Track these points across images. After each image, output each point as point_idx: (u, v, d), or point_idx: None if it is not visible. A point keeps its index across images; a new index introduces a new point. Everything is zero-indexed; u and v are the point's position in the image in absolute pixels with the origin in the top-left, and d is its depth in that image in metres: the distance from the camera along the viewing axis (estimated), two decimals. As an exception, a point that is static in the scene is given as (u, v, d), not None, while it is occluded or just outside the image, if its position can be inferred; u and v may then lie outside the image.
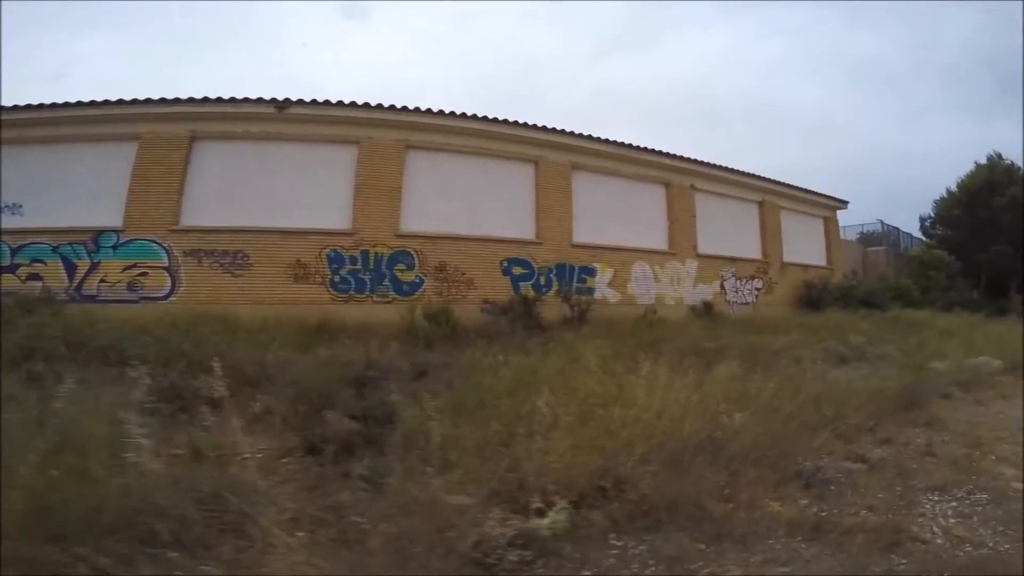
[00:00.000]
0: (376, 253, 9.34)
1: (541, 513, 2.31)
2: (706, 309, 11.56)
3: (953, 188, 22.67)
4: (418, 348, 7.08)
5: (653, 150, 11.70)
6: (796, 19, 61.28)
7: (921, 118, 54.88)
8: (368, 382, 4.96)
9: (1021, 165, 21.70)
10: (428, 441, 2.58)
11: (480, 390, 4.05)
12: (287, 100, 9.19)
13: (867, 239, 20.63)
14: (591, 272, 10.65)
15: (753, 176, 13.63)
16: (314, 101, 9.34)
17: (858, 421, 4.31)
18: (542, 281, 10.14)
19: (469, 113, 9.97)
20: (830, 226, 15.94)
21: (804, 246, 14.93)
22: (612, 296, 10.81)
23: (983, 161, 22.51)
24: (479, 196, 10.02)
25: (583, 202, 10.87)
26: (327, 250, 9.21)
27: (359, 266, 9.30)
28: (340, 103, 9.43)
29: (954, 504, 2.95)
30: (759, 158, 48.18)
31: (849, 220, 21.80)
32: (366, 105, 9.49)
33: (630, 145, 11.33)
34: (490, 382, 4.24)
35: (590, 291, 10.59)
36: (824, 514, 2.88)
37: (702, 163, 12.62)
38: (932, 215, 23.19)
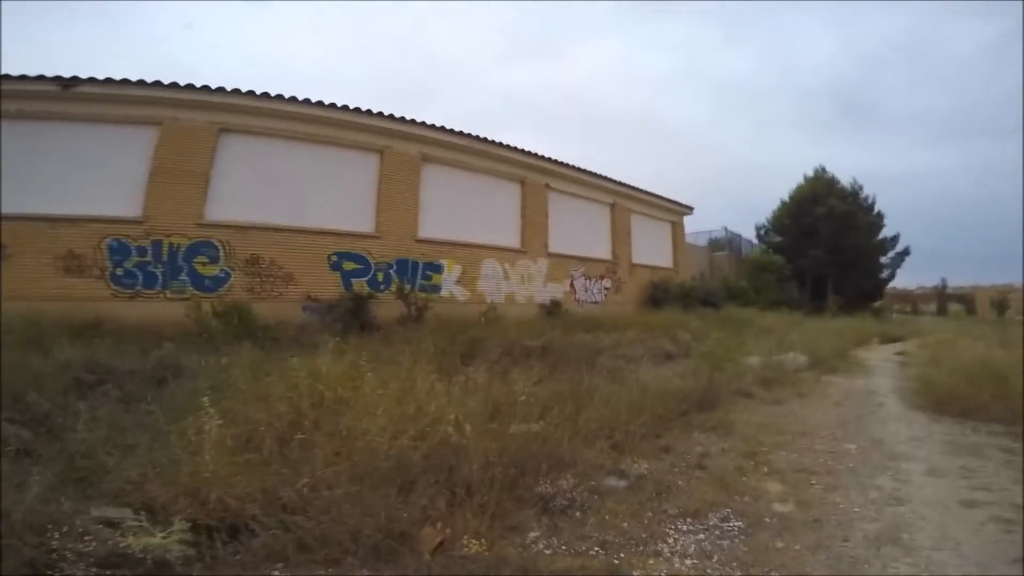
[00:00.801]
0: (172, 244, 7.95)
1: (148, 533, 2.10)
2: (554, 308, 11.79)
3: (786, 199, 26.17)
4: (199, 348, 6.04)
5: (508, 146, 11.56)
6: (679, 33, 67.44)
7: (772, 134, 63.96)
8: (88, 385, 4.31)
9: (852, 181, 25.74)
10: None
11: (195, 395, 3.40)
12: (74, 78, 7.50)
13: (714, 245, 22.96)
14: (437, 269, 10.21)
15: (606, 179, 14.22)
16: (109, 80, 7.68)
17: (646, 426, 4.31)
18: (380, 278, 9.46)
19: (301, 98, 8.89)
20: (677, 230, 17.33)
21: (652, 248, 16.03)
22: (460, 294, 10.49)
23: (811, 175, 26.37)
24: (309, 185, 9.01)
25: (433, 196, 10.37)
26: (108, 240, 7.64)
27: (149, 258, 7.85)
28: (141, 82, 7.84)
29: (701, 536, 2.78)
30: (635, 167, 53.03)
31: (700, 227, 24.37)
32: (173, 85, 8.01)
33: (484, 139, 11.05)
34: (209, 386, 3.58)
35: (436, 288, 10.15)
36: (543, 550, 2.65)
37: (557, 162, 12.81)
38: (767, 223, 26.64)
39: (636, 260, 15.13)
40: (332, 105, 9.11)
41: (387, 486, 2.70)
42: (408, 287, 9.62)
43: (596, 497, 3.23)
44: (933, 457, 4.18)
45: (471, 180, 11.09)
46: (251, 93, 8.48)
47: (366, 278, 9.32)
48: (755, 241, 26.31)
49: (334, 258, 9.05)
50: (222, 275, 8.25)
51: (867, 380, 8.23)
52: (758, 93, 66.69)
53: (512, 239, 11.76)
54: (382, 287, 9.36)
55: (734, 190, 55.19)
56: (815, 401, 6.37)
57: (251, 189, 8.53)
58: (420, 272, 9.96)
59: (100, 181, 7.66)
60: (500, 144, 11.43)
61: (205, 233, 8.15)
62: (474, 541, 2.62)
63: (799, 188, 25.77)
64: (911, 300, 39.98)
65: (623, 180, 14.87)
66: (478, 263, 10.86)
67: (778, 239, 25.40)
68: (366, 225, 9.45)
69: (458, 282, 10.51)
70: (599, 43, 65.68)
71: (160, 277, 7.88)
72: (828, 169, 26.22)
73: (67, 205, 7.44)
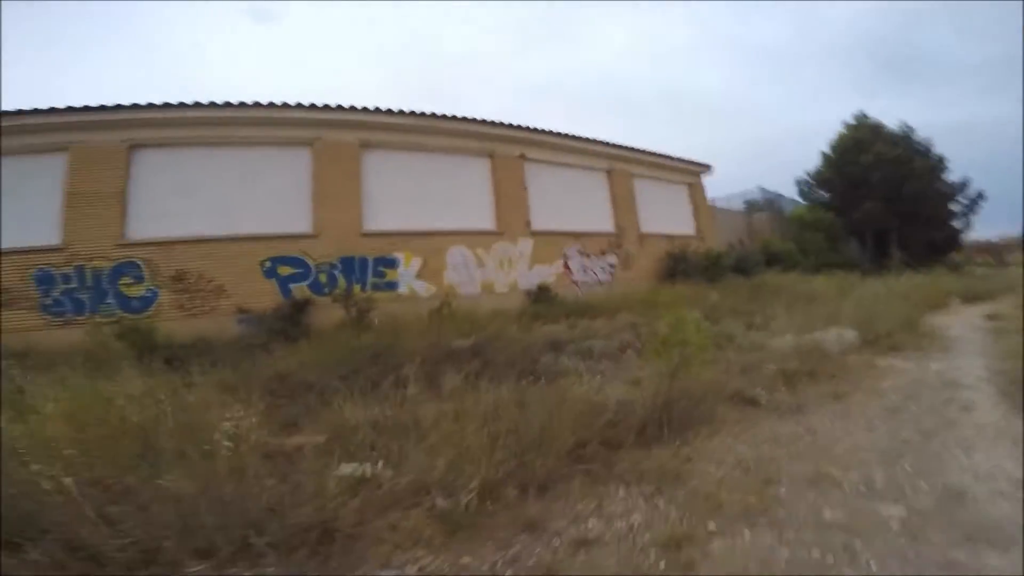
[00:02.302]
0: (94, 268, 7.65)
1: None
2: (542, 293, 10.38)
3: (827, 150, 22.68)
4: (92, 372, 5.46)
5: (466, 119, 10.35)
6: (696, 11, 63.60)
7: (811, 98, 58.20)
8: None
9: (900, 124, 21.87)
10: None
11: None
12: None
13: (752, 207, 20.21)
14: (391, 263, 9.22)
15: (597, 142, 12.52)
16: (16, 111, 7.57)
17: (533, 471, 2.85)
18: (323, 280, 8.63)
19: (206, 102, 8.32)
20: (695, 192, 15.11)
21: (667, 215, 14.03)
22: (423, 289, 9.43)
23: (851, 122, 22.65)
24: (233, 191, 8.40)
25: (379, 184, 9.42)
26: (34, 270, 7.48)
27: (74, 284, 7.59)
28: (49, 109, 7.66)
29: None
30: (677, 144, 50.40)
31: (731, 190, 21.61)
32: (85, 108, 7.78)
33: (435, 115, 9.94)
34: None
35: (392, 285, 9.18)
36: None
37: (532, 130, 11.39)
38: (807, 178, 23.19)
39: (646, 229, 13.23)
40: (243, 104, 8.45)
41: None
42: (357, 287, 8.75)
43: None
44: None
45: (425, 161, 10.00)
46: (156, 105, 8.02)
47: (307, 282, 8.54)
48: (799, 200, 22.95)
49: (268, 264, 8.36)
50: (149, 295, 7.83)
51: (944, 362, 6.00)
52: (791, 57, 61.49)
53: (485, 221, 10.51)
54: (326, 290, 8.53)
55: (776, 157, 50.91)
56: (857, 406, 4.38)
57: (171, 203, 8.04)
58: (371, 269, 9.03)
59: (19, 212, 7.49)
60: (456, 118, 10.25)
61: (126, 253, 7.77)
62: None
63: (840, 137, 22.31)
64: (994, 251, 33.31)
65: (621, 143, 13.10)
66: (442, 252, 9.73)
67: (824, 194, 22.18)
68: (302, 225, 8.67)
69: (419, 276, 9.45)
70: (618, 20, 63.26)
71: (87, 302, 7.60)
72: (870, 115, 22.46)
73: (-14, 240, 7.34)
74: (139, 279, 7.79)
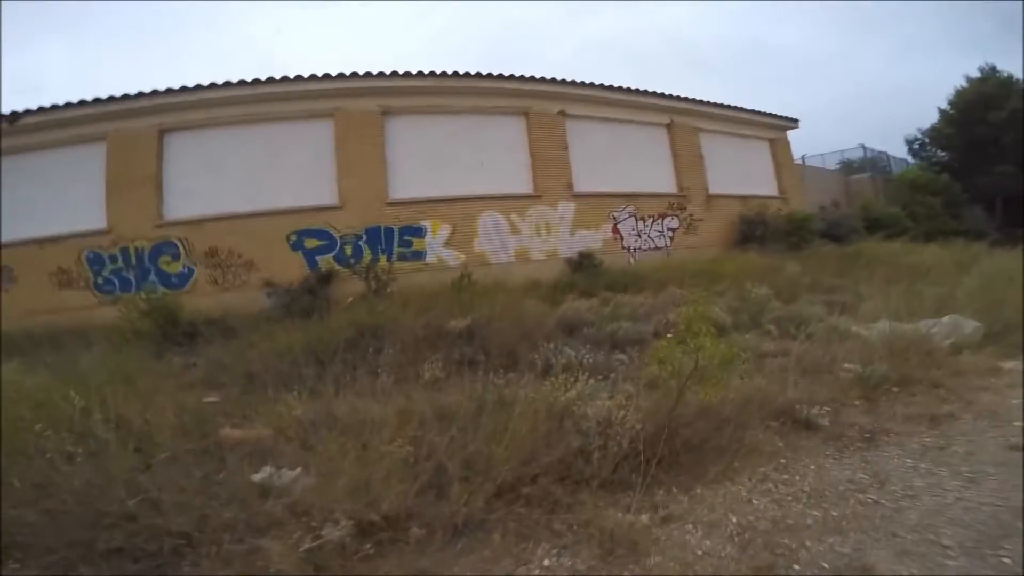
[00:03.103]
0: (136, 248, 7.98)
1: None
2: (584, 261, 9.29)
3: (945, 107, 19.37)
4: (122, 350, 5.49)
5: (493, 75, 9.55)
6: None
7: (918, 57, 49.85)
8: None
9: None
10: None
11: None
12: (15, 113, 8.07)
13: (849, 167, 17.29)
14: (418, 232, 8.69)
15: (652, 94, 11.08)
16: (54, 106, 8.14)
17: (465, 505, 2.08)
18: (348, 251, 8.32)
19: (236, 80, 8.35)
20: (779, 149, 12.96)
21: (743, 174, 12.17)
22: (451, 258, 8.80)
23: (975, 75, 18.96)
24: (259, 167, 8.36)
25: (404, 151, 8.94)
26: (86, 252, 7.98)
27: (120, 264, 7.98)
28: (83, 102, 8.14)
29: None
30: (757, 102, 45.42)
31: (828, 148, 18.67)
32: (118, 97, 8.16)
33: (455, 74, 9.26)
34: None
35: (419, 255, 8.66)
36: None
37: (574, 83, 10.29)
38: (920, 136, 19.58)
39: (716, 190, 11.51)
40: (264, 80, 8.36)
41: None
42: (383, 258, 8.35)
43: None
44: None
45: (453, 124, 9.34)
46: (182, 89, 8.18)
47: (332, 254, 8.28)
48: (909, 160, 19.32)
49: (293, 237, 8.20)
50: (185, 271, 8.03)
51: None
52: (894, 12, 53.04)
53: (520, 184, 9.63)
54: (352, 261, 8.21)
55: (879, 115, 43.96)
56: (963, 437, 2.97)
57: (202, 182, 8.17)
58: (397, 239, 8.57)
59: (68, 201, 8.01)
60: (484, 75, 9.49)
61: (164, 233, 8.02)
62: None
63: (961, 92, 18.93)
64: None
65: (684, 95, 11.52)
66: (473, 219, 9.03)
67: (941, 155, 19.05)
68: (327, 197, 8.43)
69: (447, 244, 8.83)
70: None
71: (133, 280, 7.94)
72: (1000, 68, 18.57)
73: (47, 227, 7.90)
74: (176, 257, 8.00)
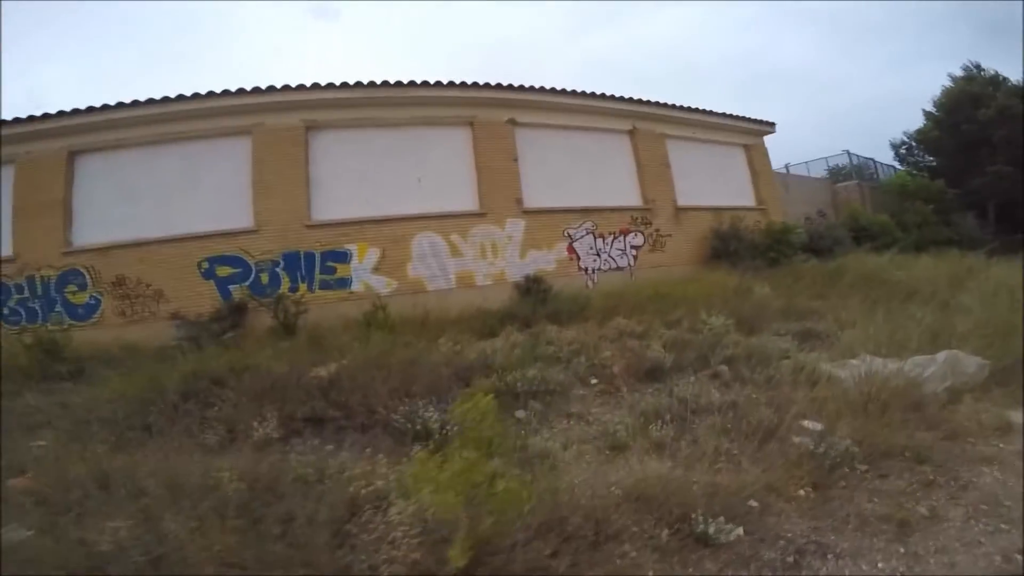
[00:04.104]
0: (42, 277, 7.56)
1: None
2: (533, 286, 8.53)
3: (931, 109, 18.54)
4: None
5: (431, 83, 8.85)
6: None
7: (904, 67, 48.43)
8: None
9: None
10: None
11: None
12: None
13: (836, 175, 16.20)
14: (342, 257, 8.07)
15: (612, 98, 10.22)
16: None
17: None
18: (264, 279, 7.77)
19: (146, 98, 7.85)
20: (755, 155, 11.94)
21: (716, 183, 11.22)
22: (382, 285, 8.15)
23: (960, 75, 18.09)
24: (173, 190, 7.85)
25: (330, 169, 8.33)
26: (-7, 281, 7.62)
27: (27, 294, 7.58)
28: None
29: None
30: (741, 110, 44.75)
31: (813, 155, 17.63)
32: (26, 119, 7.75)
33: (387, 83, 8.59)
34: None
35: (344, 283, 8.04)
36: None
37: (524, 89, 9.52)
38: (907, 140, 19.01)
39: (686, 202, 10.59)
40: (179, 97, 7.84)
41: None
42: (303, 286, 7.78)
43: None
44: None
45: (388, 138, 8.69)
46: (93, 109, 7.72)
47: (247, 282, 7.73)
48: (897, 166, 18.78)
49: (205, 265, 7.68)
50: (92, 302, 7.58)
51: None
52: (878, 25, 52.54)
53: (463, 201, 8.92)
54: (268, 290, 7.65)
55: (865, 128, 43.34)
56: (946, 564, 2.15)
57: (112, 207, 7.72)
58: (318, 265, 7.97)
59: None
60: (421, 84, 8.80)
61: (70, 261, 7.58)
62: None
63: (947, 92, 18.05)
64: None
65: (649, 98, 10.62)
66: (406, 241, 8.37)
67: (930, 160, 18.38)
68: (243, 220, 7.88)
69: (377, 270, 8.19)
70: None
71: (39, 311, 7.54)
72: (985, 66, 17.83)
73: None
74: (83, 286, 7.57)
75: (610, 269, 9.72)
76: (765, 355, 5.23)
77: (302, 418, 4.19)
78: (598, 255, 9.69)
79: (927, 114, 18.89)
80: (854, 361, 4.69)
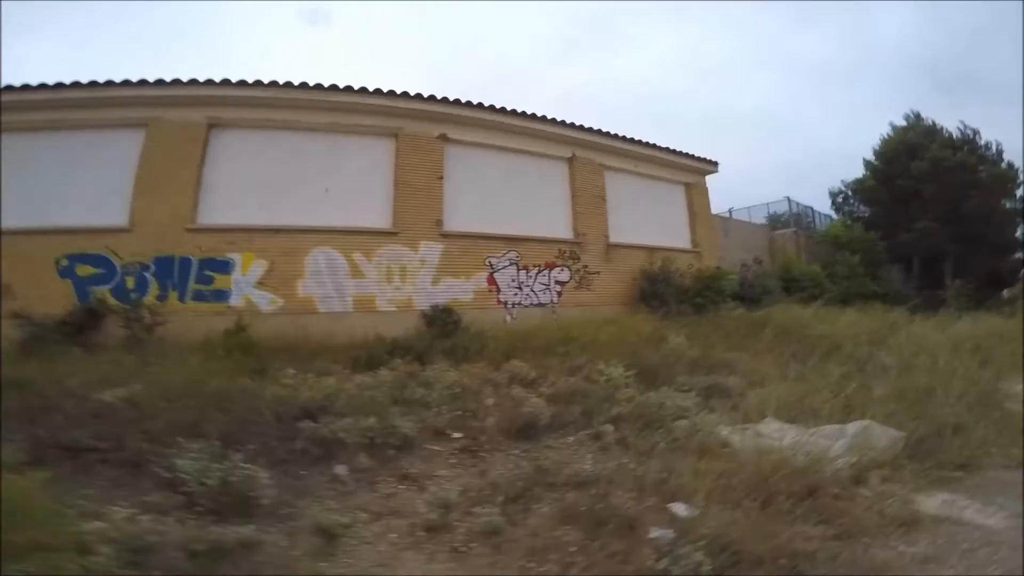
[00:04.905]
0: None
1: None
2: (442, 318, 7.93)
3: (871, 158, 18.62)
4: None
5: (353, 89, 8.27)
6: (742, 18, 58.57)
7: (863, 117, 51.19)
8: None
9: (960, 126, 17.51)
10: None
11: None
12: None
13: (776, 221, 16.46)
14: (223, 266, 7.36)
15: (552, 122, 9.78)
16: None
17: None
18: (130, 283, 7.02)
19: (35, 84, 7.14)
20: (694, 195, 11.62)
21: (652, 221, 10.83)
22: (266, 301, 7.46)
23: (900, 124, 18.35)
24: (48, 180, 7.08)
25: (229, 169, 7.67)
26: None
27: None
28: None
29: None
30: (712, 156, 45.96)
31: (756, 201, 17.82)
32: None
33: (305, 86, 7.99)
34: None
35: (222, 295, 7.32)
36: None
37: (459, 104, 9.01)
38: (844, 189, 19.27)
39: (619, 239, 10.16)
40: (74, 84, 7.14)
41: None
42: (174, 294, 7.05)
43: None
44: None
45: (301, 142, 8.08)
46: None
47: (111, 285, 6.97)
48: (833, 215, 19.11)
49: (64, 262, 6.91)
50: (-70, 294, 6.74)
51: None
52: (840, 75, 56.11)
53: (375, 217, 8.32)
54: (135, 295, 6.91)
55: (812, 176, 45.47)
56: None
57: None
58: (194, 273, 7.25)
59: None
60: (342, 89, 8.21)
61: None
62: None
63: (885, 141, 18.21)
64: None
65: (592, 126, 10.22)
66: (299, 254, 7.71)
67: (864, 211, 18.51)
68: (116, 217, 7.15)
69: (261, 284, 7.50)
70: (662, 31, 60.94)
71: None
72: (925, 115, 18.29)
73: None
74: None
75: (532, 304, 9.18)
76: (659, 414, 4.70)
77: (59, 445, 3.52)
78: (520, 288, 9.14)
79: (866, 163, 18.82)
80: (762, 427, 4.21)
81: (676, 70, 61.44)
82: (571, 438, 4.41)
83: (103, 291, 6.87)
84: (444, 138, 8.91)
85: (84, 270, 6.92)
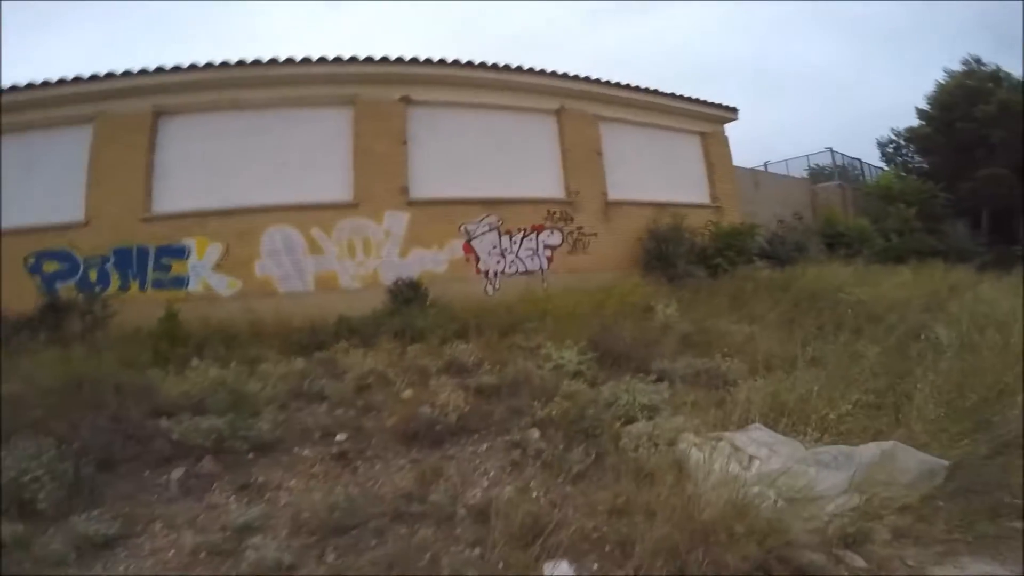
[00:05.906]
0: None
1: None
2: (411, 293, 7.25)
3: (923, 105, 16.40)
4: None
5: (297, 60, 7.73)
6: None
7: (924, 76, 43.13)
8: None
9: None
10: None
11: None
12: None
13: (818, 175, 14.54)
14: (179, 253, 7.16)
15: (534, 72, 8.65)
16: None
17: None
18: (93, 276, 7.02)
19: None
20: (711, 146, 9.89)
21: (661, 175, 9.32)
22: (224, 285, 7.19)
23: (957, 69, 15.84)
24: (8, 180, 7.28)
25: (178, 153, 7.46)
26: None
27: None
28: None
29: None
30: (762, 119, 40.88)
31: (797, 152, 15.46)
32: None
33: (243, 63, 7.55)
34: None
35: (180, 282, 7.14)
36: None
37: (420, 62, 8.19)
38: (895, 138, 17.19)
39: (619, 195, 8.83)
40: (19, 87, 7.22)
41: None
42: (135, 284, 6.98)
43: None
44: None
45: (249, 120, 7.69)
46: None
47: (74, 279, 7.02)
48: (884, 167, 16.71)
49: (32, 260, 7.04)
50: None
51: None
52: (899, 32, 48.01)
53: (333, 190, 7.75)
54: (98, 288, 6.91)
55: (860, 129, 39.10)
56: None
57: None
58: (152, 262, 7.11)
59: None
60: (287, 62, 7.70)
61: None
62: None
63: (941, 88, 16.09)
64: None
65: (580, 74, 8.94)
66: (255, 235, 7.34)
67: (919, 162, 16.57)
68: (74, 213, 7.17)
69: (218, 268, 7.22)
70: None
71: None
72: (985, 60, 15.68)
73: None
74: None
75: (517, 273, 8.21)
76: (602, 416, 3.64)
77: None
78: (503, 256, 8.20)
79: (920, 111, 16.73)
80: (743, 437, 3.03)
81: (715, 31, 56.91)
82: (485, 445, 3.54)
83: (69, 285, 6.92)
84: (407, 100, 8.13)
85: (50, 267, 7.02)
